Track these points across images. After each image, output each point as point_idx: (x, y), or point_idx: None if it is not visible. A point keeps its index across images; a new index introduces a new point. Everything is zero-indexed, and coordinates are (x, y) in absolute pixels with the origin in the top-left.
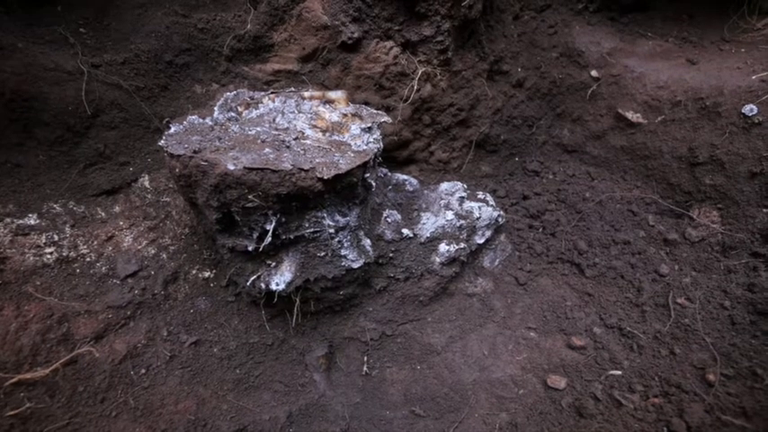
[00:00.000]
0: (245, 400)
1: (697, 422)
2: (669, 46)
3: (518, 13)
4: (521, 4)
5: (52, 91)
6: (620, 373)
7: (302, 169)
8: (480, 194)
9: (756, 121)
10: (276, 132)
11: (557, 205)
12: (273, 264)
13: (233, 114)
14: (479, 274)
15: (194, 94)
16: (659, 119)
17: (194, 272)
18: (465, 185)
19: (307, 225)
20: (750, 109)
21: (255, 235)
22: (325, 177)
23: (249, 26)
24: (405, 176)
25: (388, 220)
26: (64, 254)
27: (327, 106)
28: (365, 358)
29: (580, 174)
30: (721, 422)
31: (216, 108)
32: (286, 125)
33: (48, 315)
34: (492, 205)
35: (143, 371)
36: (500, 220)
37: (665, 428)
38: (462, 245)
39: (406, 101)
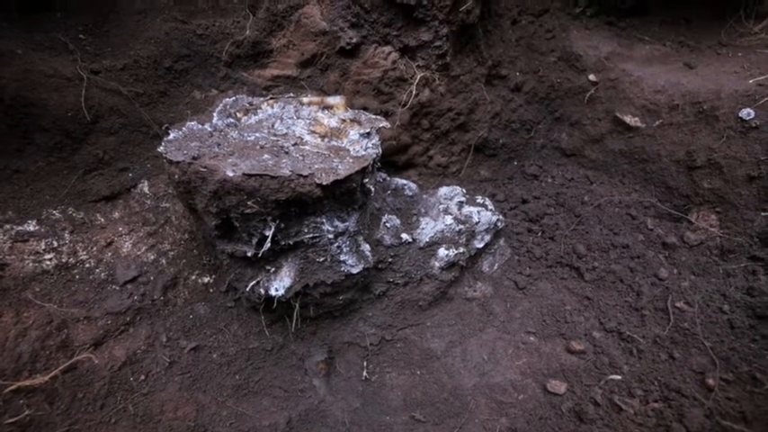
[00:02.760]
0: (245, 405)
1: (697, 427)
2: (667, 50)
3: (516, 18)
4: (519, 8)
5: (51, 97)
6: (619, 377)
7: (301, 175)
8: (479, 199)
9: (754, 124)
10: (275, 138)
11: (556, 209)
12: (273, 269)
13: (232, 120)
14: (479, 279)
15: (193, 100)
16: (657, 123)
17: (194, 277)
18: (464, 190)
19: (306, 231)
20: (747, 113)
21: (255, 241)
22: (324, 183)
23: (248, 32)
24: (404, 181)
25: (387, 224)
26: (63, 260)
27: (326, 112)
28: (365, 363)
29: (579, 178)
30: (721, 427)
31: (215, 114)
32: (285, 131)
33: (47, 321)
34: (491, 209)
35: (142, 377)
36: (499, 224)
37: None
38: (461, 249)
39: (404, 106)
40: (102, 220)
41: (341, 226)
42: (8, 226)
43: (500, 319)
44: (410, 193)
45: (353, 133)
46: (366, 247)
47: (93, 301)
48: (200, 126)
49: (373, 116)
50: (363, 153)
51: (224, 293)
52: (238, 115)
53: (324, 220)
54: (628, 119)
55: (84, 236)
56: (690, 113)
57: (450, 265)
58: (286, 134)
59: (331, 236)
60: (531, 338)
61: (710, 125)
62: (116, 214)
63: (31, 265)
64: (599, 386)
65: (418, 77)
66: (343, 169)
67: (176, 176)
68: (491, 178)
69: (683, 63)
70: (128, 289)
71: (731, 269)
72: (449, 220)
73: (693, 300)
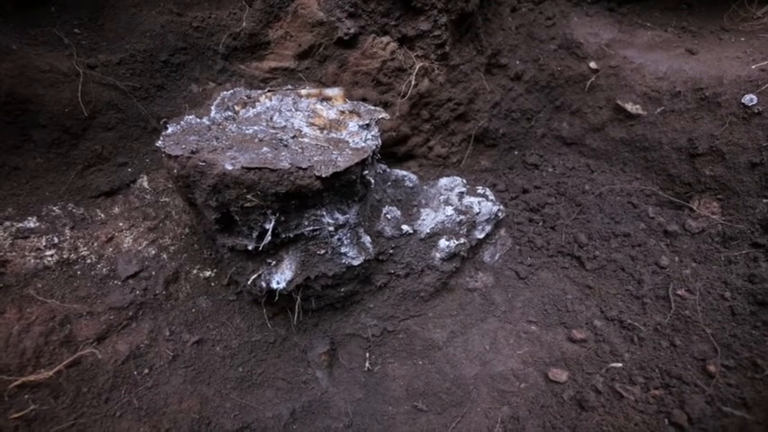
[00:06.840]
0: (249, 397)
1: (698, 413)
2: (668, 36)
3: (516, 6)
4: None
5: (48, 93)
6: (620, 365)
7: (300, 168)
8: (480, 189)
9: (756, 110)
10: (273, 131)
11: (556, 198)
12: (274, 262)
13: (230, 113)
14: (480, 269)
15: (191, 94)
16: (659, 110)
17: (195, 271)
18: (464, 180)
19: (306, 223)
20: (750, 99)
21: (255, 234)
22: (324, 176)
23: (244, 24)
24: (404, 172)
25: (388, 216)
26: (64, 256)
27: (325, 103)
28: (367, 354)
29: (579, 166)
30: (722, 413)
31: (213, 107)
32: (283, 123)
33: (50, 317)
34: (491, 200)
35: (146, 371)
36: (500, 214)
37: (666, 420)
38: (462, 240)
39: (404, 96)
40: (103, 215)
41: (341, 218)
42: (8, 223)
43: (501, 308)
44: (410, 185)
45: (353, 125)
46: (367, 239)
47: (95, 297)
48: (198, 120)
49: (372, 107)
50: (363, 145)
51: (226, 287)
52: (236, 108)
53: (324, 213)
54: (629, 106)
55: (85, 232)
56: (692, 100)
57: (452, 256)
58: (285, 127)
59: (331, 228)
60: (533, 327)
61: (713, 112)
62: (116, 210)
63: (32, 261)
64: (600, 374)
65: (417, 67)
66: (343, 161)
67: (175, 171)
68: (491, 168)
69: (685, 49)
70: (130, 284)
71: (733, 256)
72: (449, 210)
73: (695, 287)
